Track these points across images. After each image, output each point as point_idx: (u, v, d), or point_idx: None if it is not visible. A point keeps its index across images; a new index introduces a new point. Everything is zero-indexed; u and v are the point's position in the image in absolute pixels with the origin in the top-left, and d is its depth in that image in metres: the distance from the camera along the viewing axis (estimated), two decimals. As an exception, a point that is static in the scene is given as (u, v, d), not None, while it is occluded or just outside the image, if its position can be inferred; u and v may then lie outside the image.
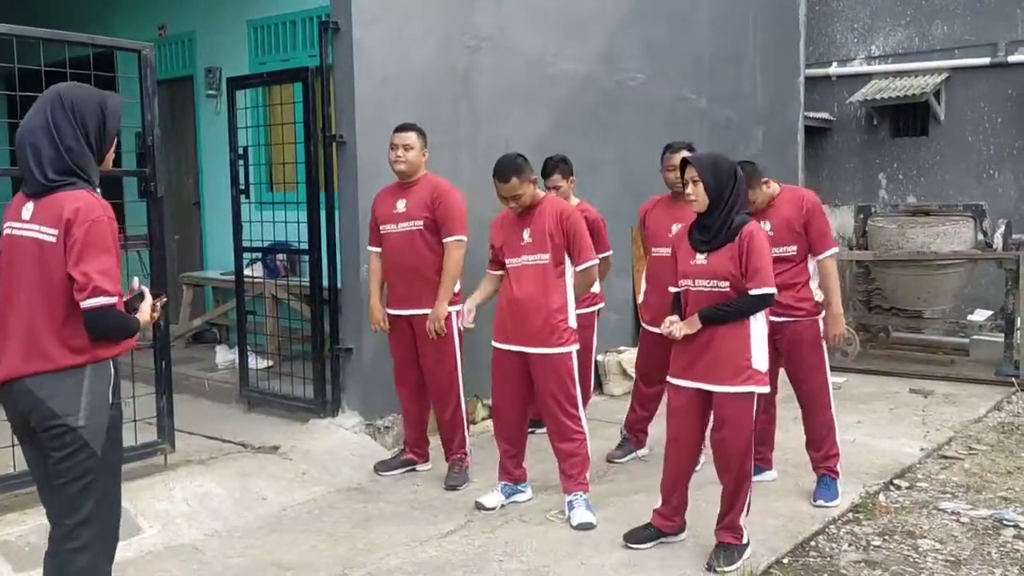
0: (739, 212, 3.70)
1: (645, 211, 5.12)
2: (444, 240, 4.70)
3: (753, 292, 3.63)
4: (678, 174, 4.81)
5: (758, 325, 3.70)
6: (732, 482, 3.78)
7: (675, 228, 4.81)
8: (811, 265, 4.54)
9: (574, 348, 4.36)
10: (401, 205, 4.75)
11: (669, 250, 4.77)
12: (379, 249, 4.88)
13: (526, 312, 4.29)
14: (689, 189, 3.72)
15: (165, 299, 2.97)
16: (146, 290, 2.82)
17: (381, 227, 4.84)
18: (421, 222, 4.71)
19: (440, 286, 4.67)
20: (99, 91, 2.74)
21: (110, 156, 2.77)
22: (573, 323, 4.36)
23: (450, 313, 4.73)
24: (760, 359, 3.70)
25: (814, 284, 4.54)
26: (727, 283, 3.65)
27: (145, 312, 2.78)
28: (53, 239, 2.57)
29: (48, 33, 4.23)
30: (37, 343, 2.61)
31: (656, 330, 4.72)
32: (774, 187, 4.55)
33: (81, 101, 2.64)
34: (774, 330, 4.54)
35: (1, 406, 2.76)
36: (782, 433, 4.97)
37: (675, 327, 3.76)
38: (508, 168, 4.28)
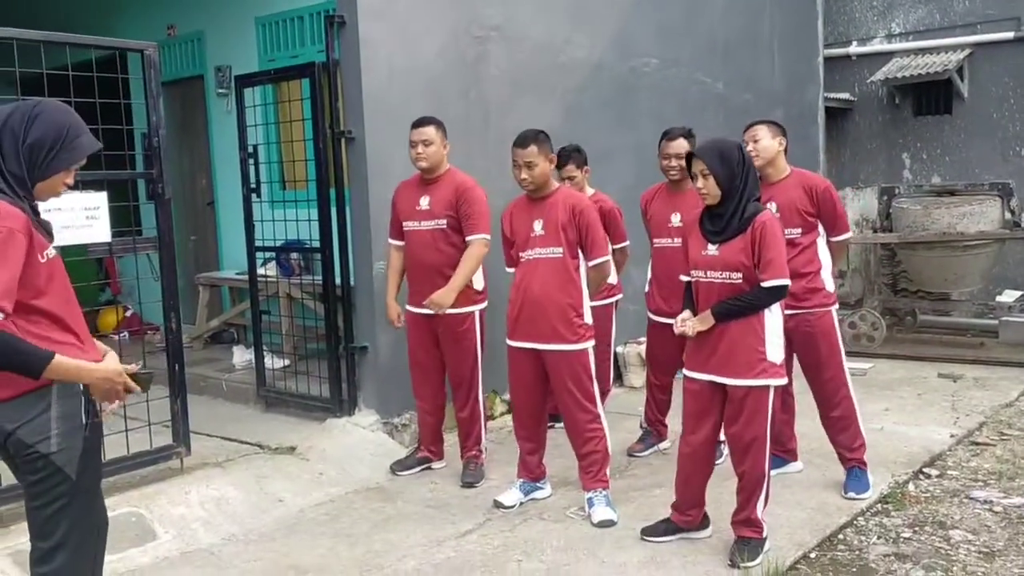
0: (751, 199, 3.60)
1: (646, 200, 5.02)
2: (468, 238, 4.58)
3: (765, 284, 3.54)
4: (672, 162, 4.73)
5: (772, 317, 3.61)
6: (748, 477, 3.69)
7: (674, 218, 4.73)
8: (824, 254, 4.42)
9: (590, 344, 4.26)
10: (424, 202, 4.65)
11: (670, 241, 4.70)
12: (401, 242, 4.79)
13: (541, 308, 4.19)
14: (699, 183, 3.60)
15: (141, 366, 2.76)
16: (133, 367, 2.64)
17: (404, 223, 4.75)
18: (445, 221, 4.61)
19: (454, 275, 4.54)
20: (34, 101, 2.55)
21: (59, 179, 2.53)
22: (589, 319, 4.26)
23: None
24: (775, 351, 3.61)
25: (826, 273, 4.40)
26: (740, 275, 3.56)
27: (99, 368, 2.53)
28: None
29: (48, 36, 4.15)
30: None
31: (662, 320, 4.65)
32: (782, 165, 4.43)
33: (12, 113, 2.48)
34: (784, 320, 4.43)
35: None
36: (808, 423, 4.86)
37: (688, 326, 3.67)
38: (530, 136, 4.19)
